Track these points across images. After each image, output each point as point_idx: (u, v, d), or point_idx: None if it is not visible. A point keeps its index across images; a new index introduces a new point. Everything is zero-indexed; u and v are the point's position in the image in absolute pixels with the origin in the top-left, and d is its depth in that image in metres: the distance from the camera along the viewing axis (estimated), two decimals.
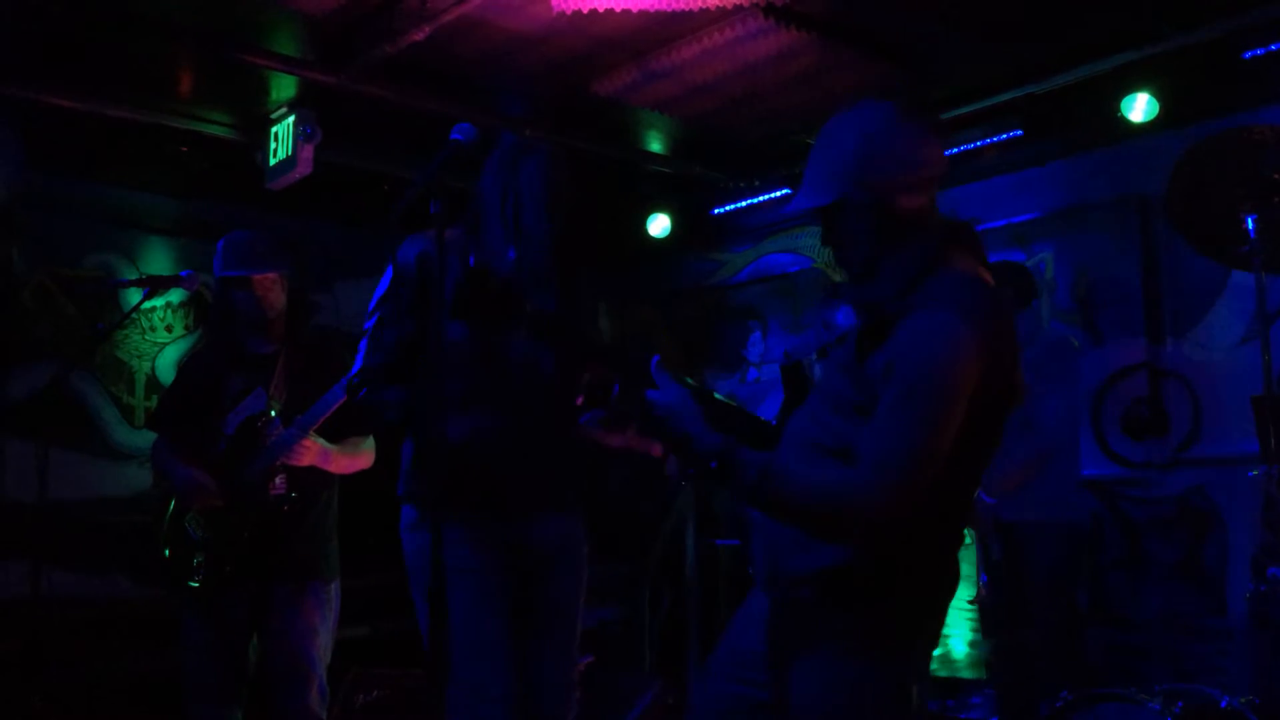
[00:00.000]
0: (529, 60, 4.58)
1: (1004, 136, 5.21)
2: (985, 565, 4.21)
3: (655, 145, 5.74)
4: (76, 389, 5.39)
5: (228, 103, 5.08)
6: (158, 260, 5.69)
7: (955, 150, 5.31)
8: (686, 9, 4.11)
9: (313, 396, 3.35)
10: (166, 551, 3.53)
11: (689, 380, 2.16)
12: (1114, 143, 5.09)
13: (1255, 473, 3.58)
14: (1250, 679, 3.76)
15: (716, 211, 6.46)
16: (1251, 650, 3.73)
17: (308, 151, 4.90)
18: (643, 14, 4.16)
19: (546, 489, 2.82)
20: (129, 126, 5.05)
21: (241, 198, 5.49)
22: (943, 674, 4.97)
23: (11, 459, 5.04)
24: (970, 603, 4.47)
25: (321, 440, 3.41)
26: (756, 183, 6.10)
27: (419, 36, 4.16)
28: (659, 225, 6.52)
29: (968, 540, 4.22)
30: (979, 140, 5.26)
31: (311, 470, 3.43)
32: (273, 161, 5.05)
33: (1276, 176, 3.48)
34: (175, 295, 5.68)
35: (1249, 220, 3.50)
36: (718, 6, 4.09)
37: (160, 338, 5.73)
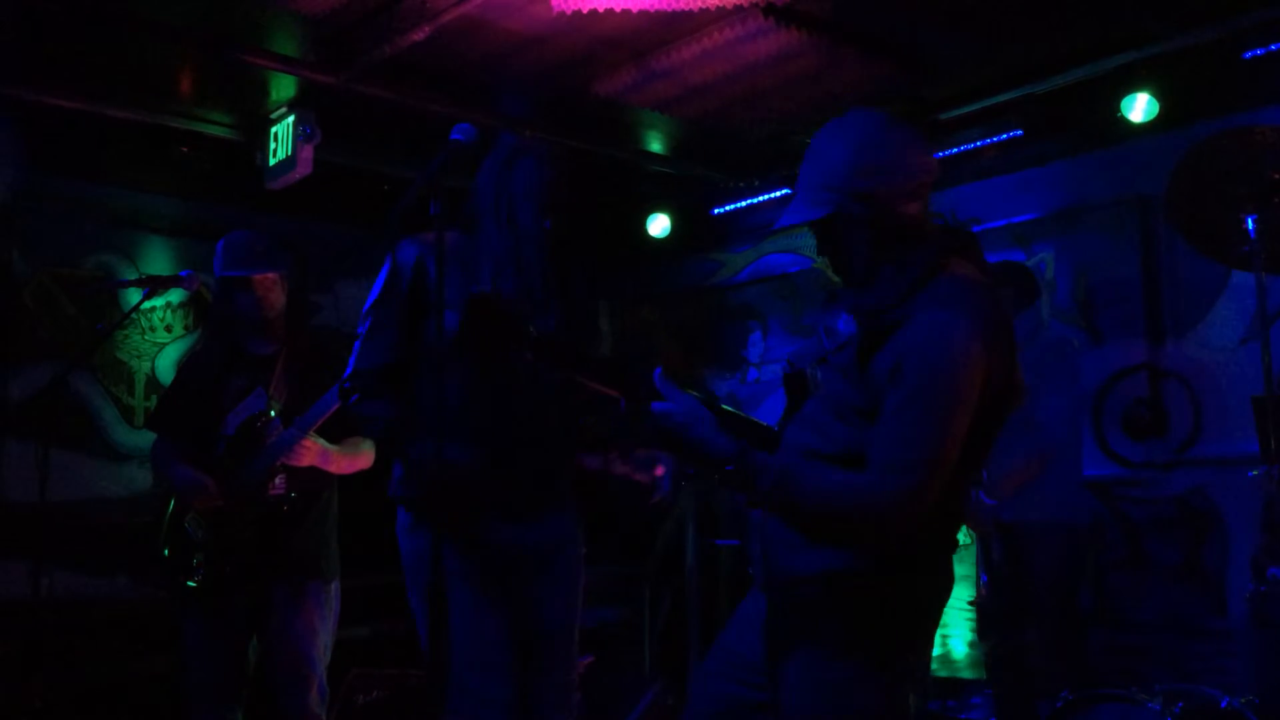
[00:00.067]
0: (529, 60, 4.58)
1: (1004, 136, 5.21)
2: (986, 566, 4.21)
3: (655, 145, 5.74)
4: (76, 389, 5.39)
5: (228, 103, 5.08)
6: (158, 260, 5.69)
7: (955, 150, 5.31)
8: (686, 9, 4.11)
9: (312, 397, 3.35)
10: (166, 551, 3.53)
11: (693, 391, 2.17)
12: (1114, 143, 5.08)
13: (1255, 473, 3.58)
14: (1250, 679, 3.76)
15: (716, 211, 6.46)
16: (1252, 650, 3.73)
17: (307, 151, 4.90)
18: (643, 14, 4.16)
19: (542, 493, 2.81)
20: (129, 127, 5.05)
21: (241, 198, 5.49)
22: (943, 674, 4.97)
23: (11, 459, 5.04)
24: (970, 604, 4.47)
25: (321, 440, 3.41)
26: (756, 183, 6.10)
27: (419, 37, 4.16)
28: (659, 225, 6.52)
29: (968, 541, 4.22)
30: (979, 140, 5.26)
31: (311, 470, 3.43)
32: (272, 161, 5.05)
33: (1277, 176, 3.48)
34: (175, 295, 5.68)
35: (1249, 220, 3.50)
36: (718, 6, 4.09)
37: (160, 338, 5.73)
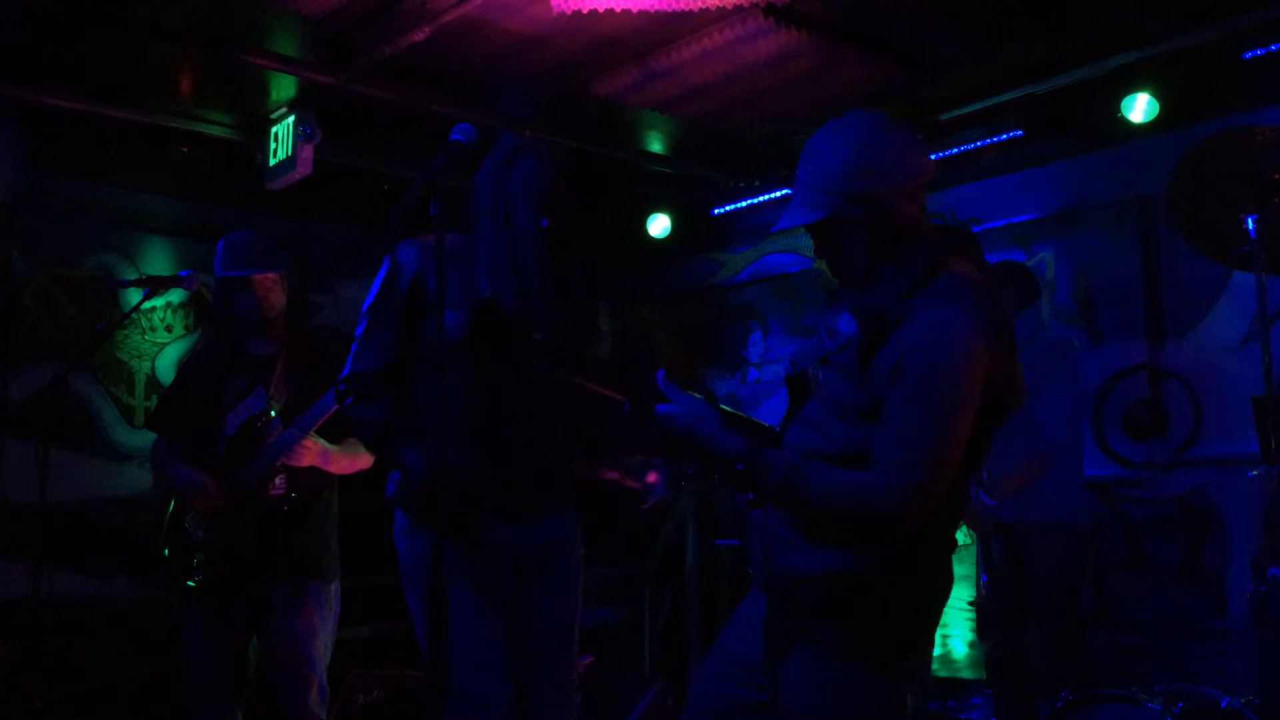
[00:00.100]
0: (529, 60, 4.58)
1: (1004, 136, 5.21)
2: (986, 566, 4.21)
3: (655, 145, 5.74)
4: (76, 389, 5.39)
5: (228, 103, 5.08)
6: (158, 260, 5.69)
7: (955, 150, 5.31)
8: (686, 9, 4.11)
9: (312, 397, 3.34)
10: (166, 551, 3.53)
11: (694, 393, 2.17)
12: (1114, 143, 5.08)
13: (1255, 473, 3.58)
14: (1250, 679, 3.76)
15: (716, 211, 6.46)
16: (1252, 650, 3.73)
17: (307, 152, 4.90)
18: (643, 14, 4.16)
19: (541, 494, 2.81)
20: (129, 127, 5.05)
21: (241, 198, 5.49)
22: (943, 674, 4.97)
23: (11, 459, 5.04)
24: (970, 604, 4.46)
25: (321, 441, 3.41)
26: (756, 183, 6.10)
27: (419, 37, 4.16)
28: (659, 225, 6.52)
29: (968, 541, 4.22)
30: (979, 140, 5.26)
31: (311, 470, 3.43)
32: (273, 162, 5.05)
33: (1277, 176, 3.48)
34: (175, 295, 5.68)
35: (1249, 220, 3.50)
36: (718, 6, 4.09)
37: (160, 338, 5.73)
